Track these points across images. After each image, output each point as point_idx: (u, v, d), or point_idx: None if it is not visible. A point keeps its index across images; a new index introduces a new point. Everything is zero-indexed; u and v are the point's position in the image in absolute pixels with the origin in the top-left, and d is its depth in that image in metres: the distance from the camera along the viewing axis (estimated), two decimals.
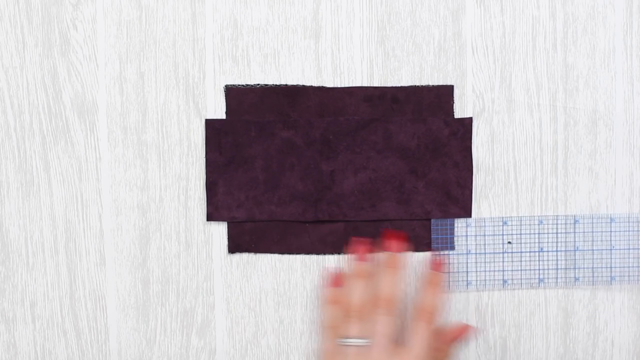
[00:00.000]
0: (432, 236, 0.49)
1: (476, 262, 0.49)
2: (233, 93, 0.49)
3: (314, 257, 0.50)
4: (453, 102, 0.49)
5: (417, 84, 0.49)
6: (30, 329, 0.50)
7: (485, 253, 0.49)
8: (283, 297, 0.50)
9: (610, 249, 0.49)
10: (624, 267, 0.49)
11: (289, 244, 0.49)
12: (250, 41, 0.49)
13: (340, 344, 0.45)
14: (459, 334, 0.47)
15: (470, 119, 0.49)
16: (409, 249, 0.49)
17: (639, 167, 0.49)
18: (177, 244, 0.50)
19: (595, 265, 0.49)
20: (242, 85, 0.49)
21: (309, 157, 0.49)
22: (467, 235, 0.49)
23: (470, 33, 0.49)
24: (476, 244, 0.49)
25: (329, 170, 0.49)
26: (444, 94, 0.49)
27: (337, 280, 0.48)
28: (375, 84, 0.49)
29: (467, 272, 0.49)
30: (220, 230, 0.49)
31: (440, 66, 0.49)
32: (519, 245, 0.49)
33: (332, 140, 0.48)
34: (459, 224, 0.49)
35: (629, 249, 0.49)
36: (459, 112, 0.49)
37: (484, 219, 0.49)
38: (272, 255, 0.50)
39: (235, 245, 0.49)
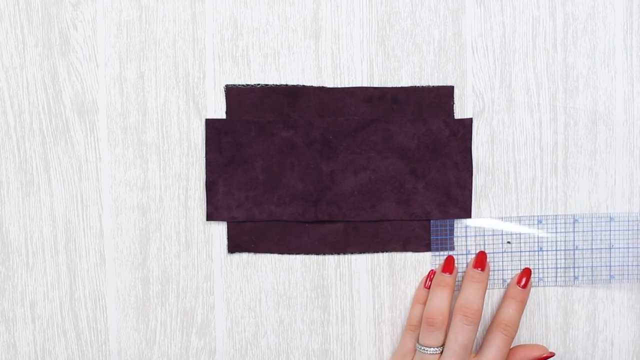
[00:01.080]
0: (431, 237, 0.49)
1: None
2: (233, 93, 0.49)
3: (314, 257, 0.50)
4: (453, 103, 0.49)
5: (417, 84, 0.49)
6: (30, 329, 0.50)
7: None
8: (283, 297, 0.50)
9: (610, 248, 0.49)
10: (623, 265, 0.49)
11: (288, 244, 0.49)
12: (250, 41, 0.49)
13: (418, 350, 0.47)
14: (537, 356, 0.48)
15: (470, 119, 0.49)
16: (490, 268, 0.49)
17: (639, 167, 0.49)
18: (177, 244, 0.50)
19: (594, 264, 0.49)
20: (242, 85, 0.49)
21: (309, 157, 0.49)
22: (466, 236, 0.49)
23: (470, 33, 0.49)
24: (475, 245, 0.49)
25: (328, 171, 0.49)
26: (444, 94, 0.49)
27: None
28: (375, 84, 0.49)
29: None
30: (220, 230, 0.49)
31: (440, 66, 0.49)
32: (519, 245, 0.49)
33: (332, 141, 0.48)
34: (459, 224, 0.49)
35: (628, 248, 0.49)
36: (459, 112, 0.49)
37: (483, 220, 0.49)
38: (272, 255, 0.50)
39: (235, 245, 0.49)
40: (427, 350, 0.46)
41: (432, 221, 0.49)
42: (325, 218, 0.49)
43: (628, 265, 0.49)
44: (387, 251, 0.49)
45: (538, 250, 0.49)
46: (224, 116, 0.49)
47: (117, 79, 0.49)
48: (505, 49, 0.49)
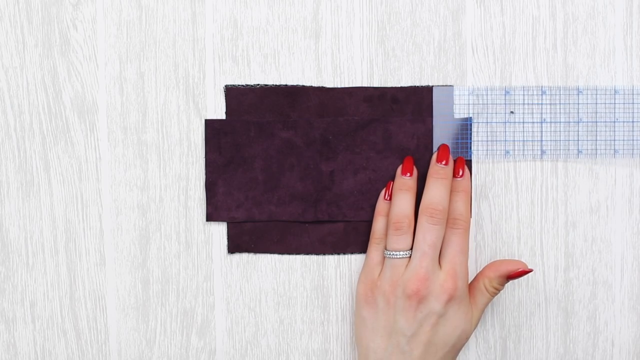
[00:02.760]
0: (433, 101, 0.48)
1: (478, 132, 0.49)
2: (233, 93, 0.49)
3: (313, 257, 0.50)
4: (453, 103, 0.49)
5: (417, 84, 0.49)
6: (30, 329, 0.50)
7: (487, 122, 0.49)
8: (283, 297, 0.50)
9: (614, 122, 0.48)
10: (627, 140, 0.48)
11: (288, 244, 0.49)
12: (250, 41, 0.49)
13: (387, 257, 0.46)
14: (516, 272, 0.46)
15: (470, 119, 0.49)
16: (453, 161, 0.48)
17: (639, 167, 0.49)
18: (177, 244, 0.50)
19: (598, 138, 0.48)
20: (242, 85, 0.49)
21: (308, 157, 0.49)
22: (469, 104, 0.48)
23: (470, 33, 0.49)
24: (477, 114, 0.49)
25: (328, 171, 0.49)
26: (443, 95, 0.49)
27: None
28: (375, 84, 0.49)
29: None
30: (220, 231, 0.49)
31: (440, 66, 0.49)
32: (522, 115, 0.48)
33: (332, 141, 0.48)
34: (457, 91, 0.48)
35: (633, 122, 0.48)
36: (459, 113, 0.49)
37: (486, 87, 0.48)
38: (272, 255, 0.50)
39: (235, 245, 0.49)
40: (396, 255, 0.46)
41: (433, 88, 0.48)
42: (325, 218, 0.49)
43: (633, 140, 0.48)
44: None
45: (541, 122, 0.48)
46: (223, 116, 0.49)
47: (117, 79, 0.49)
48: (505, 49, 0.49)
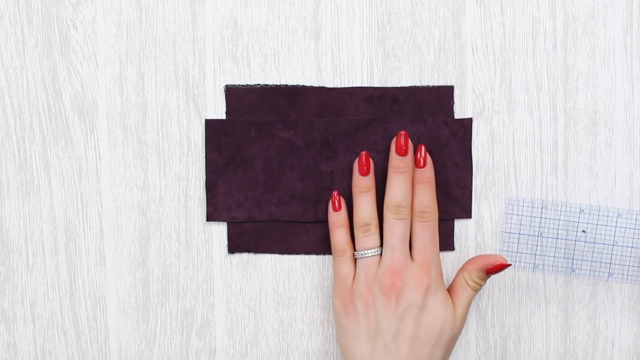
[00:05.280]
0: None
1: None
2: (233, 93, 0.49)
3: (314, 257, 0.50)
4: (453, 103, 0.49)
5: (417, 84, 0.49)
6: (30, 329, 0.50)
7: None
8: (283, 297, 0.50)
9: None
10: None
11: (288, 244, 0.49)
12: (250, 41, 0.49)
13: (358, 258, 0.46)
14: (494, 266, 0.46)
15: (470, 119, 0.49)
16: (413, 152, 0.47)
17: (639, 167, 0.49)
18: (177, 244, 0.50)
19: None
20: (242, 85, 0.49)
21: (308, 157, 0.49)
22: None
23: (470, 33, 0.49)
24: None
25: (328, 171, 0.49)
26: (444, 95, 0.49)
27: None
28: (375, 84, 0.49)
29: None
30: (220, 231, 0.49)
31: (440, 66, 0.49)
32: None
33: (332, 141, 0.48)
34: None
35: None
36: (459, 112, 0.49)
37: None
38: (272, 255, 0.50)
39: (235, 245, 0.49)
40: (367, 253, 0.46)
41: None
42: (325, 218, 0.49)
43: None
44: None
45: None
46: (223, 116, 0.49)
47: (117, 79, 0.49)
48: (505, 49, 0.49)
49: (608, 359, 0.50)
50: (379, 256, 0.46)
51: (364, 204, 0.47)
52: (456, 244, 0.49)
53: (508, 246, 0.49)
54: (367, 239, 0.46)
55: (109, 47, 0.49)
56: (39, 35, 0.49)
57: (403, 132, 0.46)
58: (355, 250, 0.47)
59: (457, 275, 0.47)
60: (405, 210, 0.46)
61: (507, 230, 0.49)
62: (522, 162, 0.49)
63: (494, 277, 0.50)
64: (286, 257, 0.50)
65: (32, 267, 0.50)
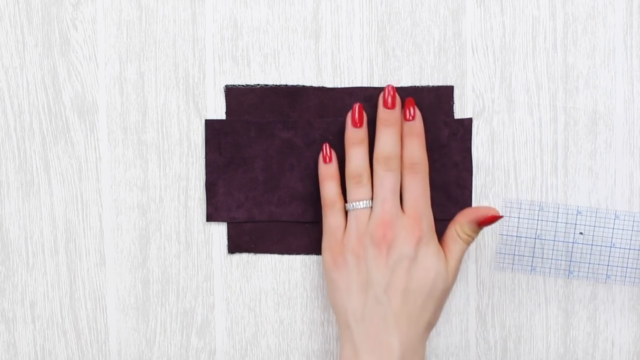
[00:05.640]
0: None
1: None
2: (233, 93, 0.49)
3: (314, 257, 0.50)
4: (453, 103, 0.49)
5: (417, 84, 0.49)
6: (30, 329, 0.50)
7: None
8: (283, 297, 0.50)
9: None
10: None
11: (288, 244, 0.49)
12: (250, 41, 0.49)
13: (349, 210, 0.46)
14: (486, 217, 0.45)
15: (470, 119, 0.49)
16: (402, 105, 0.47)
17: (639, 167, 0.49)
18: (177, 244, 0.50)
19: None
20: (242, 85, 0.49)
21: (308, 157, 0.49)
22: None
23: (470, 33, 0.49)
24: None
25: None
26: (444, 95, 0.49)
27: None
28: (375, 84, 0.49)
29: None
30: (220, 231, 0.49)
31: (440, 66, 0.49)
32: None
33: (332, 141, 0.48)
34: None
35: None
36: (459, 112, 0.49)
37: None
38: (272, 255, 0.50)
39: (235, 245, 0.49)
40: (358, 205, 0.45)
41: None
42: None
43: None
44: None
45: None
46: (223, 116, 0.49)
47: (117, 79, 0.49)
48: (505, 49, 0.49)
49: (608, 359, 0.50)
50: (370, 209, 0.45)
51: (357, 154, 0.46)
52: None
53: (506, 249, 0.49)
54: (359, 190, 0.45)
55: (109, 47, 0.49)
56: (39, 35, 0.49)
57: (390, 86, 0.46)
58: (346, 202, 0.47)
59: (448, 228, 0.46)
60: (395, 162, 0.45)
61: (505, 233, 0.49)
62: (522, 162, 0.49)
63: (494, 277, 0.50)
64: (286, 257, 0.50)
65: (32, 267, 0.50)
